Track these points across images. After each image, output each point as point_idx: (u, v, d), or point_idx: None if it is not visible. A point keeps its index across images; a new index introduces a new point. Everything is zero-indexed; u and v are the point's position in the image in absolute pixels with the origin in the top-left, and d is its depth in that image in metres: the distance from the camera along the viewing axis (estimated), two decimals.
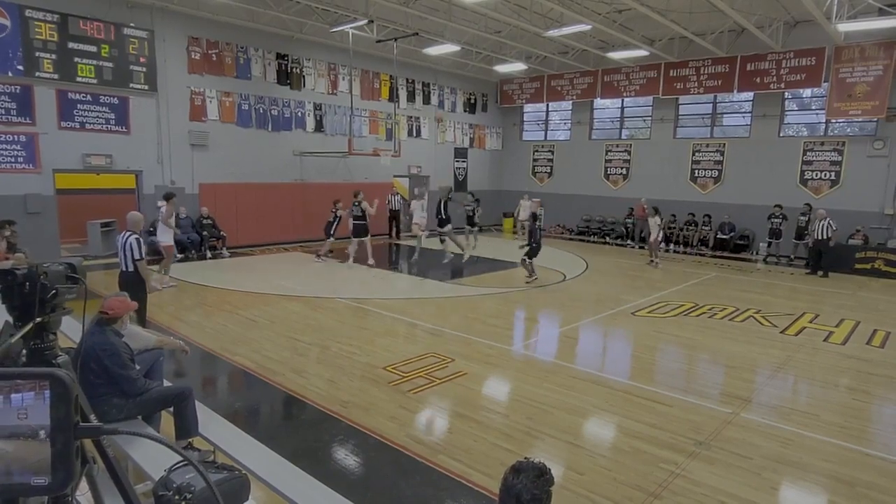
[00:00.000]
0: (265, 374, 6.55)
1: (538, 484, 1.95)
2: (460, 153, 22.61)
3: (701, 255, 17.52)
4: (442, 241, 13.84)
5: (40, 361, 1.43)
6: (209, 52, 14.88)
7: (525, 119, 24.17)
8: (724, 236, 17.69)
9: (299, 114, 16.98)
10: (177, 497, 2.32)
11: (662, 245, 16.25)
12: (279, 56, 16.34)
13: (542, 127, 23.72)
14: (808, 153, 16.62)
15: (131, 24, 13.32)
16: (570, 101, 21.63)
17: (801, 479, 4.60)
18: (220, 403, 5.81)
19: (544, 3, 13.12)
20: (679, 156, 19.09)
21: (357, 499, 3.86)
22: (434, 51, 17.51)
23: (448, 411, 5.72)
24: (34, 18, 11.90)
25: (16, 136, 12.00)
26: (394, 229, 18.97)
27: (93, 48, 12.72)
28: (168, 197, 11.14)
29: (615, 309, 10.22)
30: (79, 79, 12.60)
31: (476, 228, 16.97)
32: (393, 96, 18.35)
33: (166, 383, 4.69)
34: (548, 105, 22.93)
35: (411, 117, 20.38)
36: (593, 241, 20.10)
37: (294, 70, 16.71)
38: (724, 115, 18.88)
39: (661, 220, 15.05)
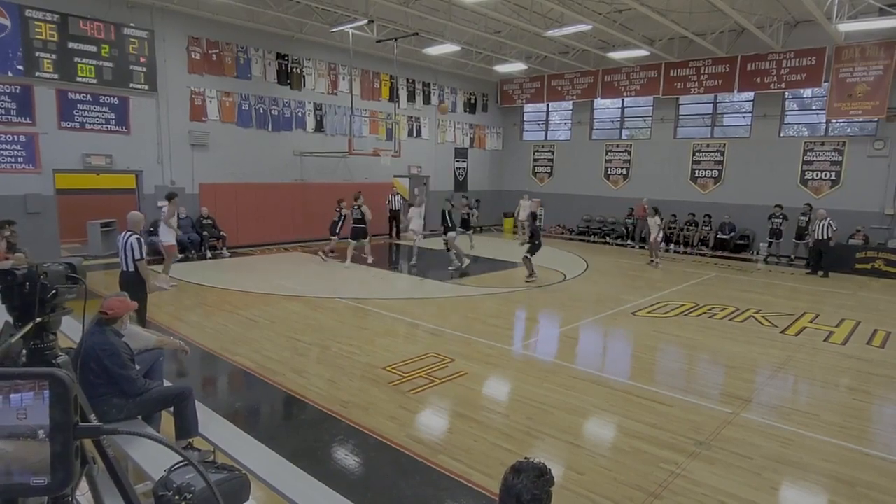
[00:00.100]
0: (265, 374, 6.55)
1: (538, 484, 1.95)
2: (460, 153, 22.61)
3: (701, 255, 17.51)
4: (448, 249, 13.75)
5: (40, 361, 1.43)
6: (209, 52, 14.88)
7: (525, 119, 24.17)
8: (725, 236, 17.68)
9: (299, 114, 16.98)
10: (177, 497, 2.32)
11: (663, 245, 16.25)
12: (279, 56, 16.34)
13: (543, 127, 23.72)
14: (808, 153, 16.62)
15: (131, 24, 13.32)
16: (571, 101, 21.63)
17: (802, 479, 4.60)
18: (220, 403, 5.81)
19: (544, 3, 13.12)
20: (679, 156, 19.09)
21: (357, 499, 3.86)
22: (434, 51, 17.51)
23: (448, 411, 5.71)
24: (34, 18, 11.90)
25: (16, 136, 12.00)
26: (394, 229, 18.97)
27: (93, 48, 12.73)
28: (170, 197, 11.15)
29: (615, 309, 10.22)
30: (79, 79, 12.61)
31: (470, 231, 16.23)
32: (393, 96, 18.35)
33: (166, 383, 4.69)
34: (548, 105, 22.93)
35: (411, 117, 20.38)
36: (593, 241, 20.10)
37: (294, 70, 16.71)
38: (725, 115, 18.88)
39: (661, 219, 15.07)
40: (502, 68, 20.13)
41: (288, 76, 16.57)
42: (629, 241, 19.35)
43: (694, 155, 18.80)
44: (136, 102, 13.66)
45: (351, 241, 13.79)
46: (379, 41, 16.12)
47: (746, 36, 15.96)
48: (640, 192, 19.31)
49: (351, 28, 14.86)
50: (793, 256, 16.04)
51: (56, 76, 12.29)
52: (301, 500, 3.44)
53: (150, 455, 3.60)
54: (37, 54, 12.00)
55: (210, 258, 14.08)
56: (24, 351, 1.45)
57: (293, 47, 16.55)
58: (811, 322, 9.67)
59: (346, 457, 4.79)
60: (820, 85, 15.90)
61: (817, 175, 16.49)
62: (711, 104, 18.78)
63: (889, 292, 12.58)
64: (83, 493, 1.38)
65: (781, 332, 8.96)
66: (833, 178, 16.25)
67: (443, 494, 4.24)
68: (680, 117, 19.45)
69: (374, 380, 6.42)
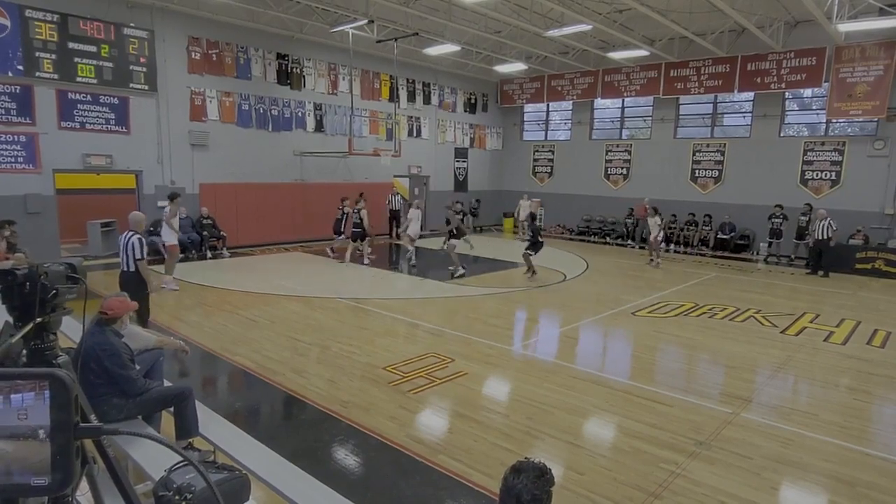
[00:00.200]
0: (265, 374, 6.55)
1: (538, 484, 1.95)
2: (460, 153, 22.61)
3: (701, 255, 17.51)
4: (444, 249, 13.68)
5: (40, 361, 1.43)
6: (209, 52, 14.88)
7: (525, 119, 24.17)
8: (725, 236, 17.69)
9: (299, 114, 16.98)
10: (177, 497, 2.32)
11: (663, 245, 16.24)
12: (279, 56, 16.34)
13: (543, 127, 23.72)
14: (808, 153, 16.62)
15: (131, 24, 13.32)
16: (571, 101, 21.62)
17: (802, 479, 4.60)
18: (220, 403, 5.81)
19: (544, 3, 13.12)
20: (679, 156, 19.09)
21: (357, 499, 3.86)
22: (434, 51, 17.51)
23: (448, 411, 5.71)
24: (34, 18, 11.90)
25: (16, 136, 12.00)
26: (394, 229, 18.98)
27: (93, 48, 12.73)
28: (172, 197, 11.16)
29: (615, 309, 10.22)
30: (79, 79, 12.61)
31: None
32: (393, 96, 18.35)
33: (167, 383, 4.69)
34: (548, 105, 22.93)
35: (411, 117, 20.38)
36: (594, 241, 20.10)
37: (294, 70, 16.71)
38: (725, 115, 18.87)
39: (661, 219, 15.08)
40: (502, 68, 20.13)
41: (288, 76, 16.57)
42: (629, 242, 19.35)
43: (694, 155, 18.80)
44: (136, 102, 13.66)
45: (350, 241, 13.96)
46: (379, 41, 16.12)
47: (746, 36, 15.96)
48: (641, 192, 19.31)
49: (351, 28, 14.86)
50: (793, 256, 16.04)
51: (56, 76, 12.29)
52: (301, 500, 3.45)
53: (151, 455, 3.60)
54: (37, 54, 12.00)
55: (210, 258, 14.08)
56: (25, 351, 1.45)
57: (293, 47, 16.55)
58: (811, 322, 9.67)
59: (346, 457, 4.79)
60: (820, 85, 15.90)
61: (817, 175, 16.49)
62: (711, 104, 18.78)
63: (889, 292, 12.58)
64: (83, 493, 1.38)
65: (781, 332, 8.96)
66: (833, 178, 16.25)
67: (443, 494, 4.24)
68: (680, 117, 19.45)
69: (375, 380, 6.42)
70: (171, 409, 4.27)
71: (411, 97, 20.26)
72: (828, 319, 9.87)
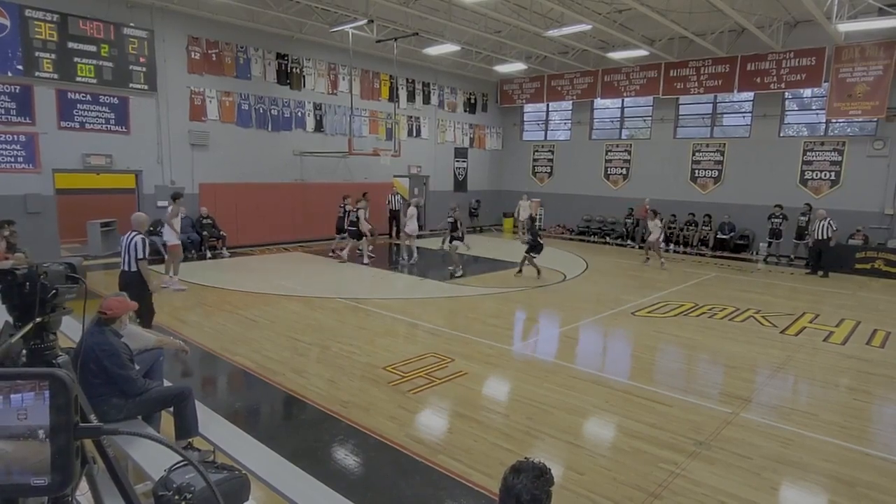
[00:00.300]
0: (265, 374, 6.55)
1: (538, 484, 1.95)
2: (460, 153, 22.61)
3: (701, 255, 17.52)
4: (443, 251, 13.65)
5: (40, 361, 1.43)
6: (209, 51, 14.88)
7: (525, 119, 24.16)
8: (725, 236, 17.69)
9: (299, 114, 16.98)
10: (177, 497, 2.32)
11: (663, 245, 16.24)
12: (279, 56, 16.33)
13: (543, 127, 23.71)
14: (808, 153, 16.62)
15: (131, 24, 13.31)
16: (571, 101, 21.62)
17: (802, 479, 4.60)
18: (220, 403, 5.81)
19: (544, 2, 13.12)
20: (679, 156, 19.09)
21: (357, 499, 3.86)
22: (434, 51, 17.51)
23: (448, 411, 5.71)
24: (34, 18, 11.90)
25: (15, 136, 12.00)
26: (394, 229, 18.98)
27: (92, 48, 12.72)
28: (175, 197, 11.16)
29: (615, 309, 10.22)
30: (78, 79, 12.60)
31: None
32: (393, 96, 18.35)
33: (166, 383, 4.69)
34: (548, 105, 22.92)
35: (411, 117, 20.37)
36: (593, 241, 20.10)
37: (294, 70, 16.70)
38: (725, 115, 18.87)
39: (662, 221, 15.12)
40: (502, 68, 20.13)
41: (288, 76, 16.56)
42: (629, 242, 19.35)
43: (694, 155, 18.80)
44: (136, 102, 13.65)
45: (349, 239, 14.07)
46: (379, 41, 16.12)
47: (746, 36, 15.96)
48: (640, 193, 19.31)
49: (351, 28, 14.86)
50: (792, 256, 16.04)
51: (56, 76, 12.29)
52: (301, 500, 3.45)
53: (150, 455, 3.60)
54: (36, 54, 11.99)
55: (210, 258, 14.08)
56: (24, 351, 1.45)
57: (293, 47, 16.54)
58: (811, 322, 9.67)
59: (345, 457, 4.79)
60: (820, 85, 15.89)
61: (817, 175, 16.49)
62: (711, 104, 18.78)
63: (889, 292, 12.58)
64: (83, 493, 1.38)
65: (781, 332, 8.96)
66: (833, 178, 16.25)
67: (442, 494, 4.24)
68: (680, 117, 19.45)
69: (374, 380, 6.42)
70: (171, 409, 4.27)
71: (411, 97, 20.25)
72: (827, 319, 9.88)
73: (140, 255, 7.00)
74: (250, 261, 14.41)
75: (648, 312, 10.03)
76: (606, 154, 21.01)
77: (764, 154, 17.26)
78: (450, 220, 13.25)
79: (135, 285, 6.74)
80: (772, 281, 13.71)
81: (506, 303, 10.76)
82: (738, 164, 17.86)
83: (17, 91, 11.90)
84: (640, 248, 18.27)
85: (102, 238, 14.12)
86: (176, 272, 10.89)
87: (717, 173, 18.35)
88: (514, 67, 19.91)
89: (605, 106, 21.45)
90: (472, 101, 22.74)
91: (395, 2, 13.40)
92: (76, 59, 12.51)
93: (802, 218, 15.50)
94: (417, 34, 15.68)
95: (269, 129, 16.31)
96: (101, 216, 14.44)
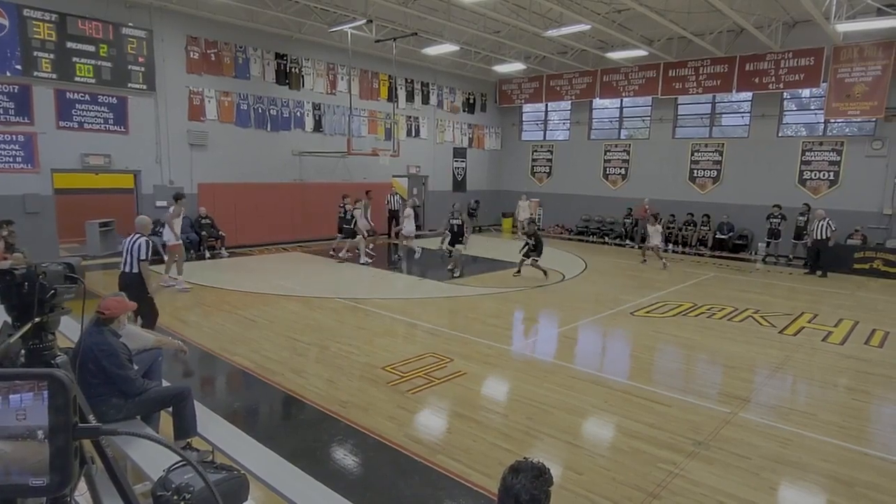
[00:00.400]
0: (264, 374, 6.55)
1: (537, 484, 1.95)
2: (459, 153, 22.61)
3: (700, 255, 17.53)
4: (449, 255, 13.53)
5: (39, 362, 1.43)
6: (208, 51, 14.87)
7: (524, 119, 24.17)
8: (723, 236, 17.70)
9: (298, 114, 16.97)
10: (175, 497, 2.32)
11: (662, 245, 16.24)
12: (278, 56, 16.33)
13: (541, 127, 23.72)
14: (806, 153, 16.64)
15: (130, 24, 13.30)
16: (569, 101, 21.63)
17: (800, 478, 4.60)
18: (219, 403, 5.80)
19: (543, 2, 13.13)
20: (678, 156, 19.10)
21: (356, 499, 3.86)
22: (433, 51, 17.51)
23: (447, 411, 5.71)
24: (32, 18, 11.88)
25: (14, 136, 11.98)
26: (393, 229, 18.96)
27: (91, 48, 12.71)
28: (177, 197, 11.16)
29: (614, 309, 10.22)
30: (77, 78, 12.59)
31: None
32: (392, 96, 18.35)
33: (165, 383, 4.69)
34: (547, 105, 22.93)
35: (410, 117, 20.37)
36: (592, 241, 20.11)
37: (293, 70, 16.70)
38: (723, 115, 18.89)
39: (662, 226, 15.20)
40: (501, 68, 20.13)
41: (286, 76, 16.56)
42: (628, 241, 19.36)
43: (692, 155, 18.81)
44: (135, 102, 13.64)
45: (344, 238, 14.12)
46: (378, 41, 16.12)
47: (745, 36, 15.97)
48: (639, 193, 19.33)
49: (350, 28, 14.85)
50: (791, 256, 16.05)
51: (54, 76, 12.28)
52: (300, 500, 3.45)
53: (149, 455, 3.59)
54: (35, 54, 11.98)
55: (209, 258, 14.07)
56: (23, 351, 1.45)
57: (292, 47, 16.54)
58: (809, 322, 9.68)
59: (344, 457, 4.79)
60: (818, 85, 15.90)
61: (816, 175, 16.51)
62: (710, 104, 18.80)
63: (887, 292, 12.59)
64: (82, 494, 1.38)
65: (780, 332, 8.96)
66: (831, 178, 16.27)
67: (441, 494, 4.24)
68: (678, 117, 19.47)
69: (373, 380, 6.42)
70: (170, 409, 4.27)
71: (410, 97, 20.25)
72: (826, 319, 9.88)
73: (143, 257, 7.01)
74: (249, 261, 14.40)
75: (647, 312, 10.04)
76: (605, 154, 21.02)
77: (762, 154, 17.27)
78: (456, 222, 13.16)
79: (135, 287, 6.74)
80: (770, 281, 13.73)
81: (505, 303, 10.76)
82: (736, 164, 17.87)
83: (16, 91, 11.89)
84: (639, 248, 18.29)
85: (101, 238, 14.09)
86: (180, 272, 10.88)
87: (715, 173, 18.36)
88: (513, 67, 19.92)
89: (604, 106, 21.46)
90: (471, 100, 22.74)
91: (394, 2, 13.39)
92: (75, 59, 12.50)
93: (801, 218, 15.51)
94: (416, 34, 15.69)
95: (268, 128, 16.31)
96: (100, 216, 14.42)
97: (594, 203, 21.15)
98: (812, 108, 17.21)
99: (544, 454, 4.75)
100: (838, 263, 14.45)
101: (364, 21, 14.28)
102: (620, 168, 20.65)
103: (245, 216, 15.84)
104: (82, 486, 1.32)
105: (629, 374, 7.12)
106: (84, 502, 1.46)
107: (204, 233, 14.32)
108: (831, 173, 16.26)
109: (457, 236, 13.15)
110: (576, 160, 21.79)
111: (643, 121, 20.45)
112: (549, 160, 22.78)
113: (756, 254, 16.96)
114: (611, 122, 21.49)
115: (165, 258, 11.13)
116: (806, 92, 16.88)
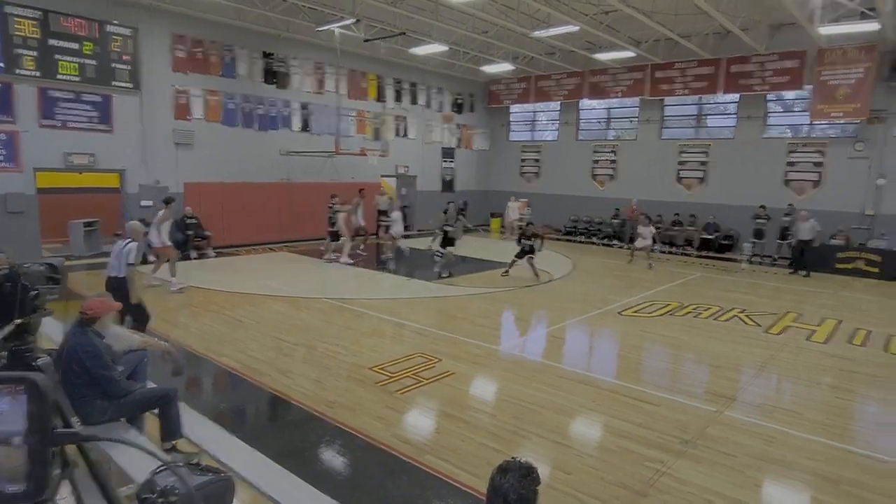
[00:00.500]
0: (251, 374, 6.50)
1: (525, 483, 1.95)
2: (447, 153, 22.61)
3: (686, 255, 17.66)
4: (440, 256, 13.46)
5: (21, 364, 1.40)
6: (194, 50, 14.73)
7: (512, 119, 24.22)
8: (709, 236, 17.84)
9: (286, 113, 16.88)
10: (161, 500, 2.28)
11: (650, 245, 16.35)
12: (265, 55, 16.22)
13: (530, 127, 23.80)
14: (791, 154, 16.82)
15: (115, 21, 13.14)
16: (558, 102, 21.72)
17: (786, 476, 4.65)
18: (205, 404, 5.74)
19: (531, 3, 13.15)
20: (665, 156, 19.24)
21: (344, 500, 3.84)
22: (421, 50, 17.49)
23: (435, 411, 5.71)
24: (14, 14, 11.70)
25: None
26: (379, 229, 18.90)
27: (75, 45, 12.55)
28: (168, 201, 11.06)
29: (602, 309, 10.27)
30: (60, 76, 12.42)
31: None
32: (380, 96, 18.30)
33: (151, 385, 4.64)
34: (535, 105, 22.99)
35: (398, 117, 20.33)
36: (580, 242, 20.19)
37: (280, 69, 16.60)
38: (710, 117, 19.06)
39: (653, 229, 15.33)
40: (489, 69, 20.16)
41: (274, 75, 16.45)
42: (615, 242, 19.46)
43: (679, 156, 18.96)
44: (120, 100, 13.48)
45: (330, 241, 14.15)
46: (366, 40, 16.07)
47: (731, 38, 16.09)
48: (627, 193, 19.45)
49: (338, 27, 14.79)
50: (776, 256, 16.22)
51: (37, 73, 12.10)
52: (287, 501, 3.43)
53: (134, 458, 3.55)
54: (17, 51, 11.80)
55: (195, 258, 13.94)
56: (5, 353, 1.42)
57: (279, 46, 16.44)
58: (794, 321, 9.79)
59: (332, 457, 4.76)
60: (802, 87, 16.08)
61: (800, 176, 16.70)
62: (696, 105, 18.96)
63: (870, 292, 12.78)
64: (64, 498, 1.35)
65: (765, 332, 9.06)
66: (815, 178, 16.46)
67: (430, 494, 4.23)
68: (665, 118, 19.61)
69: (361, 380, 6.40)
70: (156, 410, 4.22)
71: (398, 97, 20.21)
72: (810, 319, 10.01)
73: (131, 261, 6.92)
74: (236, 261, 14.30)
75: (635, 312, 10.09)
76: (593, 154, 21.11)
77: (748, 155, 17.44)
78: (449, 228, 13.09)
79: (122, 291, 6.64)
80: (756, 281, 13.87)
81: (493, 303, 10.78)
82: (722, 165, 18.03)
83: None
84: (628, 248, 18.40)
85: (85, 238, 13.91)
86: (173, 273, 10.74)
87: (702, 174, 18.51)
88: (502, 68, 19.95)
89: (592, 107, 21.56)
90: (460, 101, 22.75)
91: (382, 1, 13.36)
92: (58, 57, 12.33)
93: (786, 218, 15.68)
94: (404, 34, 15.66)
95: (256, 128, 16.20)
96: (84, 216, 14.22)
97: (582, 203, 21.23)
98: (796, 109, 17.40)
99: (532, 454, 4.76)
100: (822, 263, 14.63)
101: (352, 20, 14.23)
102: (608, 168, 20.76)
103: (232, 216, 15.72)
104: (65, 489, 1.29)
105: (617, 373, 7.16)
106: None
107: (190, 233, 14.18)
108: (815, 174, 16.45)
109: (449, 241, 13.15)
110: (564, 161, 21.87)
111: (630, 121, 20.57)
112: (538, 160, 22.85)
113: (742, 254, 17.12)
114: (599, 122, 21.61)
115: (150, 259, 11.01)
116: (790, 94, 17.07)
